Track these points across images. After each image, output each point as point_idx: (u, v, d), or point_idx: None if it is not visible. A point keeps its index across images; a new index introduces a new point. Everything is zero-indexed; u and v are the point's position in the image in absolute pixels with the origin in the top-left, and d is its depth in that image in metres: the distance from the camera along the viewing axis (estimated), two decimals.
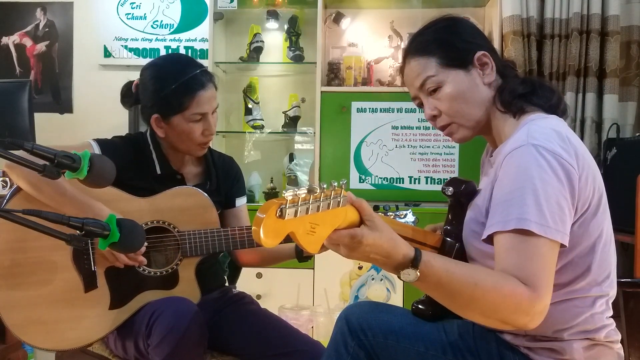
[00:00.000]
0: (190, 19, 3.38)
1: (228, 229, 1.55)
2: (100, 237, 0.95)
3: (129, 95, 1.61)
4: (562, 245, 0.99)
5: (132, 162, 1.55)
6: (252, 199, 3.04)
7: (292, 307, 2.62)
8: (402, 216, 1.48)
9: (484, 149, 1.33)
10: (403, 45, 3.04)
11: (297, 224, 0.76)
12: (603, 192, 1.09)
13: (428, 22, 1.25)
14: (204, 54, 3.30)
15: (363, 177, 2.92)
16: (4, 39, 3.46)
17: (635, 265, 2.22)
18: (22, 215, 0.91)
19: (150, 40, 3.40)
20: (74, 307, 1.46)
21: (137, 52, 3.39)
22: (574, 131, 2.77)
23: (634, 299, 1.45)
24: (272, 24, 3.16)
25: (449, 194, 1.19)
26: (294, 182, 3.08)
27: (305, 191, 0.75)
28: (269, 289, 2.80)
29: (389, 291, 2.78)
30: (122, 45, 3.40)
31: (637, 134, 2.83)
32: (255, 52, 3.11)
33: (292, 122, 3.12)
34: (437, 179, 2.90)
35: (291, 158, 3.14)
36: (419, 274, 0.94)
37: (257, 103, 3.16)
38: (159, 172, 1.59)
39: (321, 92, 2.91)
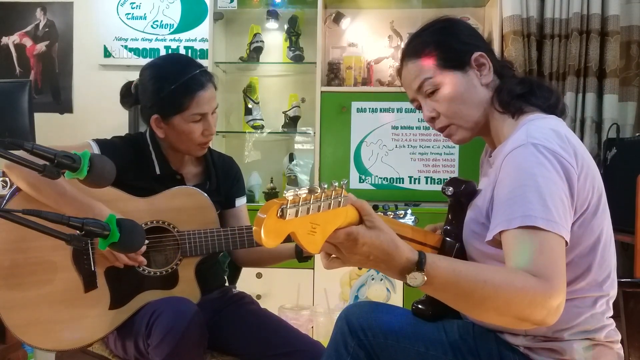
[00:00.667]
0: (190, 19, 3.38)
1: (228, 229, 1.55)
2: (100, 237, 0.95)
3: (128, 96, 1.61)
4: (565, 243, 0.98)
5: (131, 163, 1.55)
6: (252, 199, 3.04)
7: (292, 307, 2.62)
8: (402, 216, 1.48)
9: (483, 149, 1.33)
10: (403, 45, 3.03)
11: (298, 224, 0.75)
12: (602, 192, 1.09)
13: (425, 24, 1.26)
14: (204, 54, 3.30)
15: (363, 177, 2.92)
16: (4, 39, 3.46)
17: (635, 265, 2.22)
18: (22, 215, 0.91)
19: (150, 40, 3.39)
20: (73, 307, 1.46)
21: (137, 52, 3.39)
22: (574, 131, 2.78)
23: (634, 299, 1.45)
24: (272, 24, 3.16)
25: (449, 194, 1.19)
26: (294, 182, 3.08)
27: (306, 191, 0.75)
28: (269, 289, 2.80)
29: (389, 291, 2.78)
30: (122, 45, 3.40)
31: (637, 134, 2.83)
32: (255, 52, 3.11)
33: (292, 122, 3.12)
34: (437, 179, 2.90)
35: (291, 158, 3.14)
36: (425, 277, 0.91)
37: (257, 103, 3.16)
38: (158, 172, 1.59)
39: (321, 92, 2.91)
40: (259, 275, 2.80)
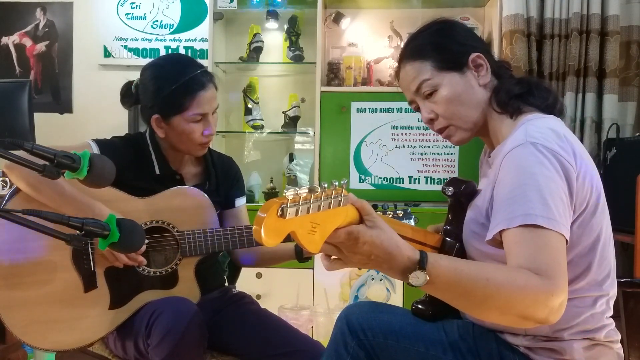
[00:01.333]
0: (190, 19, 3.38)
1: (227, 229, 1.54)
2: (100, 237, 0.95)
3: (128, 95, 1.61)
4: (565, 241, 0.98)
5: (131, 163, 1.55)
6: (252, 199, 3.04)
7: (292, 307, 2.62)
8: (401, 215, 1.48)
9: (483, 150, 1.33)
10: (402, 44, 3.03)
11: (298, 224, 0.75)
12: (601, 191, 1.09)
13: (422, 25, 1.26)
14: (203, 54, 3.30)
15: (363, 177, 2.92)
16: (4, 39, 3.46)
17: (635, 265, 2.22)
18: (22, 215, 0.91)
19: (150, 40, 3.40)
20: (73, 308, 1.46)
21: (137, 52, 3.39)
22: (574, 131, 2.78)
23: (634, 299, 1.45)
24: (272, 24, 3.16)
25: (449, 194, 1.19)
26: (293, 182, 3.08)
27: (306, 190, 0.75)
28: (269, 289, 2.80)
29: (389, 291, 2.78)
30: (122, 45, 3.40)
31: (637, 134, 2.82)
32: (255, 52, 3.11)
33: (292, 122, 3.12)
34: (437, 179, 2.90)
35: (291, 158, 3.14)
36: (427, 276, 0.90)
37: (257, 103, 3.16)
38: (158, 172, 1.58)
39: (321, 92, 2.91)
40: (259, 275, 2.80)
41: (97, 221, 0.94)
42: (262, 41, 3.12)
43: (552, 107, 1.17)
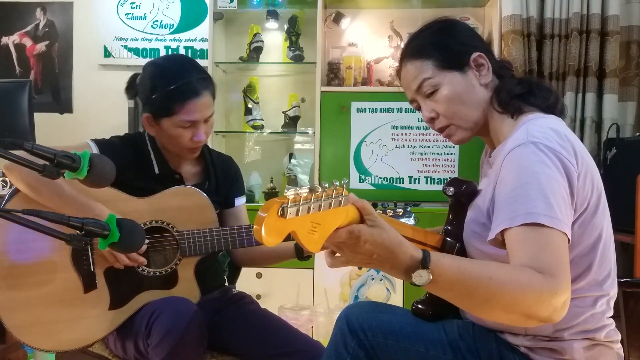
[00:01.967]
0: (190, 19, 3.38)
1: (227, 229, 1.54)
2: (100, 237, 0.95)
3: (131, 87, 1.61)
4: (567, 240, 0.98)
5: (130, 162, 1.55)
6: (252, 198, 3.04)
7: (292, 307, 2.62)
8: (401, 214, 1.48)
9: (484, 150, 1.33)
10: (404, 43, 3.03)
11: (298, 223, 0.75)
12: (602, 191, 1.09)
13: (424, 24, 1.26)
14: (203, 54, 3.30)
15: (363, 177, 2.92)
16: (4, 39, 3.46)
17: (635, 265, 2.22)
18: (22, 215, 0.91)
19: (150, 40, 3.40)
20: (73, 308, 1.45)
21: (137, 52, 3.39)
22: (574, 131, 2.78)
23: (634, 299, 1.45)
24: (272, 24, 3.16)
25: (450, 194, 1.19)
26: (293, 182, 3.08)
27: (307, 190, 0.75)
28: (269, 289, 2.80)
29: (389, 291, 2.78)
30: (122, 45, 3.40)
31: (637, 134, 2.82)
32: (255, 52, 3.11)
33: (292, 122, 3.12)
34: (437, 179, 2.90)
35: (291, 158, 3.14)
36: (431, 275, 0.90)
37: (257, 103, 3.16)
38: (157, 171, 1.58)
39: (321, 92, 2.91)
40: (259, 275, 2.80)
41: (97, 221, 0.94)
42: (262, 41, 3.13)
43: (553, 107, 1.17)
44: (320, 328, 2.57)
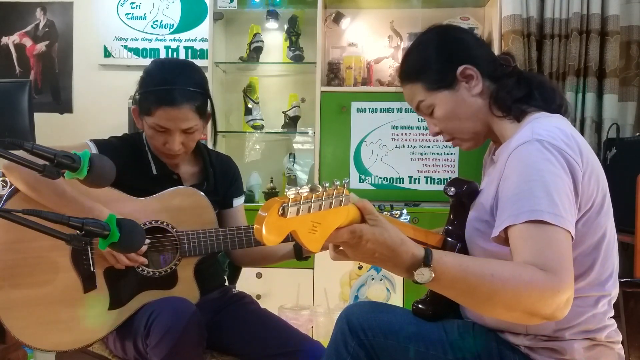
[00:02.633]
0: (190, 19, 3.38)
1: (226, 229, 1.54)
2: (100, 237, 0.95)
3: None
4: (571, 238, 0.98)
5: (129, 163, 1.54)
6: (252, 199, 3.04)
7: (292, 307, 2.62)
8: (397, 215, 1.48)
9: (486, 149, 1.34)
10: (403, 45, 3.04)
11: (299, 223, 0.75)
12: (607, 191, 1.09)
13: (414, 42, 1.28)
14: (203, 54, 3.30)
15: (363, 177, 2.92)
16: (4, 39, 3.46)
17: (635, 265, 2.22)
18: (22, 215, 0.91)
19: (150, 40, 3.39)
20: (72, 308, 1.45)
21: (137, 52, 3.39)
22: None
23: (634, 299, 1.45)
24: (272, 24, 3.16)
25: (451, 194, 1.20)
26: (293, 182, 3.08)
27: (308, 190, 0.75)
28: (269, 289, 2.79)
29: (389, 291, 2.78)
30: (122, 45, 3.40)
31: (637, 134, 2.83)
32: (255, 52, 3.11)
33: (292, 122, 3.12)
34: (437, 179, 2.90)
35: (291, 158, 3.14)
36: (433, 273, 0.90)
37: (257, 103, 3.16)
38: (154, 172, 1.58)
39: (321, 92, 2.91)
40: (259, 275, 2.79)
41: (97, 221, 0.94)
42: (262, 41, 3.12)
43: (558, 107, 1.17)
44: (320, 328, 2.57)
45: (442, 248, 1.16)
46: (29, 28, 3.45)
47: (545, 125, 1.06)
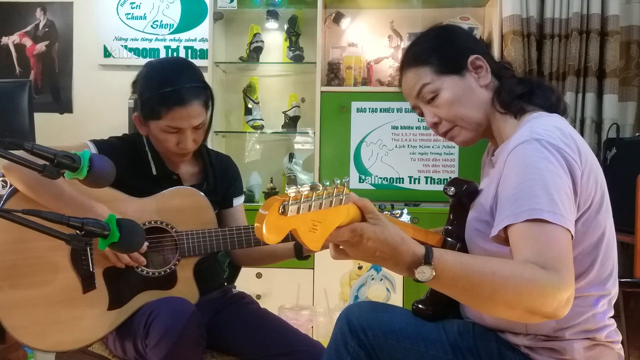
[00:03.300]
0: (190, 19, 3.38)
1: (226, 229, 1.54)
2: (100, 237, 0.95)
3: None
4: (571, 236, 0.98)
5: (128, 163, 1.54)
6: (252, 199, 3.04)
7: (292, 307, 2.62)
8: (398, 215, 1.48)
9: (485, 149, 1.34)
10: (403, 45, 3.04)
11: (299, 221, 0.75)
12: (605, 190, 1.09)
13: (421, 32, 1.27)
14: (203, 54, 3.30)
15: (363, 177, 2.92)
16: (4, 39, 3.46)
17: (635, 265, 2.22)
18: (22, 215, 0.91)
19: (150, 40, 3.39)
20: (72, 308, 1.45)
21: (137, 52, 3.39)
22: None
23: (634, 299, 1.45)
24: (272, 24, 3.16)
25: (451, 194, 1.20)
26: (293, 182, 3.08)
27: (308, 188, 0.75)
28: (269, 289, 2.79)
29: (389, 291, 2.78)
30: (122, 45, 3.40)
31: (637, 134, 2.83)
32: (255, 52, 3.11)
33: (292, 122, 3.12)
34: (437, 179, 2.90)
35: (291, 158, 3.14)
36: (434, 271, 0.90)
37: (257, 103, 3.16)
38: (154, 172, 1.58)
39: (321, 92, 2.91)
40: (259, 275, 2.79)
41: (97, 221, 0.94)
42: (262, 41, 3.12)
43: (556, 107, 1.17)
44: (320, 328, 2.58)
45: (442, 248, 1.16)
46: (29, 28, 3.45)
47: (544, 125, 1.07)
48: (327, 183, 0.79)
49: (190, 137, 1.51)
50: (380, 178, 2.92)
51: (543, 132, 1.03)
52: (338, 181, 0.81)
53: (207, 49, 3.11)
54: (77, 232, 0.93)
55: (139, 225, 1.01)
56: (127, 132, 1.96)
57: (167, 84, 1.48)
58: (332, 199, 0.79)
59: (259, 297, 2.73)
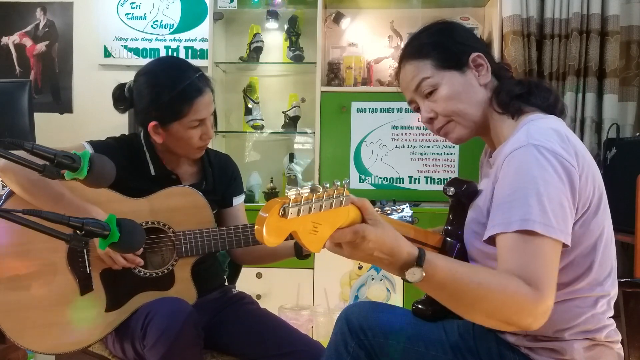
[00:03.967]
0: (190, 19, 3.37)
1: (224, 229, 1.54)
2: (100, 237, 0.95)
3: (122, 100, 1.61)
4: (564, 245, 0.98)
5: (126, 164, 1.54)
6: (252, 199, 3.04)
7: (292, 307, 2.62)
8: (400, 210, 1.48)
9: (482, 149, 1.33)
10: (403, 45, 3.03)
11: (299, 223, 0.75)
12: (603, 191, 1.09)
13: (423, 26, 1.26)
14: (203, 54, 3.30)
15: (363, 177, 2.92)
16: (4, 39, 3.46)
17: (635, 265, 2.22)
18: (22, 215, 0.91)
19: (150, 40, 3.39)
20: (69, 310, 1.45)
21: (137, 52, 3.39)
22: (574, 131, 2.78)
23: (634, 299, 1.45)
24: (272, 24, 3.16)
25: (451, 194, 1.19)
26: (293, 182, 3.08)
27: (308, 190, 0.75)
28: (269, 289, 2.79)
29: (389, 291, 2.78)
30: (122, 45, 3.40)
31: (637, 134, 2.83)
32: (255, 52, 3.11)
33: (292, 122, 3.12)
34: (437, 179, 2.90)
35: (291, 158, 3.14)
36: (424, 273, 0.91)
37: (257, 103, 3.16)
38: (153, 173, 1.58)
39: (321, 92, 2.91)
40: (259, 275, 2.79)
41: (97, 221, 0.94)
42: (262, 41, 3.12)
43: (554, 107, 1.17)
44: (320, 328, 2.57)
45: (442, 248, 1.17)
46: (29, 28, 3.45)
47: (541, 128, 1.06)
48: (327, 185, 0.79)
49: (209, 125, 1.55)
50: (380, 178, 2.92)
51: (540, 137, 1.03)
52: (338, 183, 0.81)
53: (207, 49, 3.11)
54: (77, 232, 0.93)
55: (139, 225, 1.01)
56: (127, 132, 1.97)
57: (179, 81, 1.49)
58: (332, 200, 0.79)
59: (259, 297, 2.73)
